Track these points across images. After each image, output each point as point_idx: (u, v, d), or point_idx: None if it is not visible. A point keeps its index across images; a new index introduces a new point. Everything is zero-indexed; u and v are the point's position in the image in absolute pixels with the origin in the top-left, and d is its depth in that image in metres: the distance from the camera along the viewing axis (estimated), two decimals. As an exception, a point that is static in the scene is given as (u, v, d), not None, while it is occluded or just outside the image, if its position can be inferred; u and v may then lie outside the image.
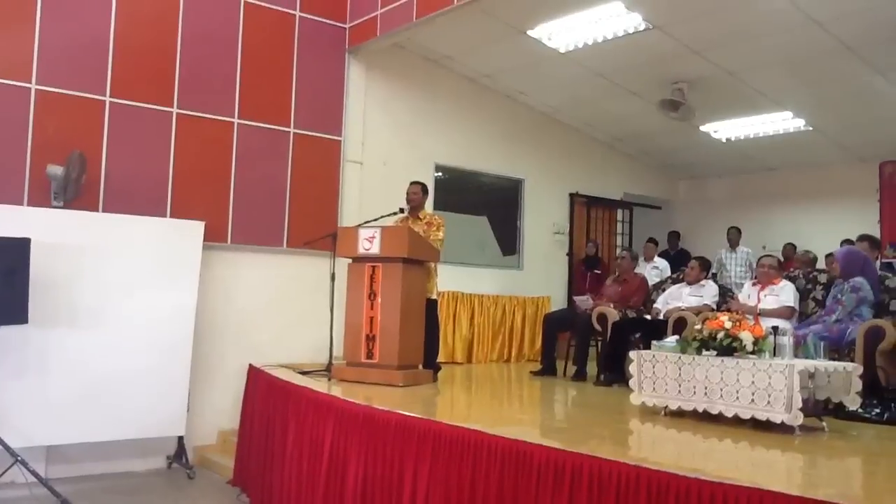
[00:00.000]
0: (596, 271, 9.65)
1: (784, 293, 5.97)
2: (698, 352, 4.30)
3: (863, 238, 7.03)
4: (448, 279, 7.54)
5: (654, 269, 8.97)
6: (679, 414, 4.35)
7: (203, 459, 6.59)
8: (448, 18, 6.83)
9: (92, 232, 5.93)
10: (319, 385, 5.37)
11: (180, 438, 6.37)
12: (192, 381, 6.30)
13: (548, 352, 7.41)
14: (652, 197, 11.80)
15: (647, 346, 4.77)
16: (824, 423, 4.12)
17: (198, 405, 6.51)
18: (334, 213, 7.60)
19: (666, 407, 4.41)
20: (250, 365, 6.45)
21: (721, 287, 7.02)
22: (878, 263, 7.07)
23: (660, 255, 10.02)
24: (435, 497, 3.67)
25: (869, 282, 5.52)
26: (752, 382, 3.97)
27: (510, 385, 7.17)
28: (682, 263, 8.29)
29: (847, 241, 8.47)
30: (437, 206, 8.29)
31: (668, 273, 8.82)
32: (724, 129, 9.84)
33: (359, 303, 5.70)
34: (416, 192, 6.39)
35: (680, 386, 4.31)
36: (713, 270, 9.61)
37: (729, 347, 4.17)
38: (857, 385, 4.19)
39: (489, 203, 9.82)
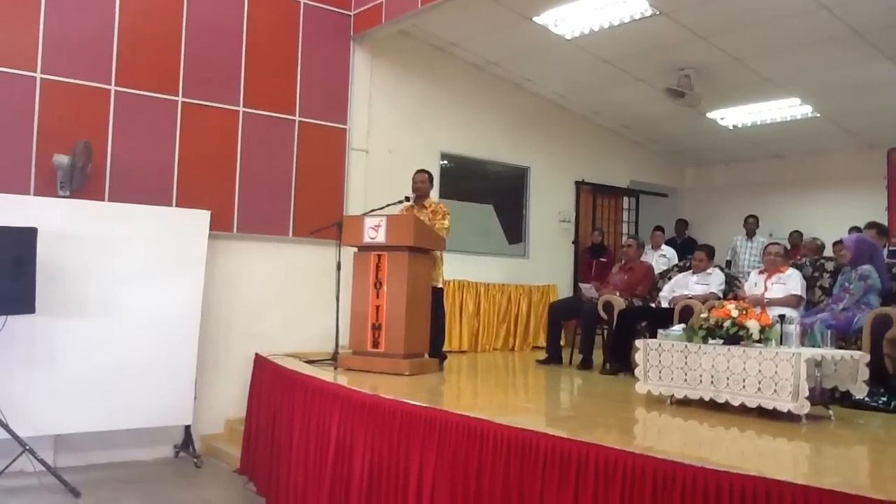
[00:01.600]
0: (602, 259, 9.64)
1: (791, 281, 5.95)
2: (704, 340, 4.29)
3: (871, 225, 7.00)
4: (454, 267, 7.54)
5: (662, 257, 8.96)
6: (685, 402, 4.35)
7: (210, 448, 6.63)
8: (454, 5, 6.81)
9: (98, 221, 5.94)
10: (326, 374, 5.39)
11: (187, 427, 6.41)
12: (198, 370, 6.33)
13: (553, 340, 7.41)
14: (658, 184, 11.75)
15: (653, 335, 4.77)
16: (831, 412, 4.11)
17: (205, 394, 6.54)
18: (340, 201, 7.60)
19: (672, 395, 4.41)
20: (257, 354, 6.47)
21: (727, 275, 7.00)
22: (885, 251, 7.03)
23: (667, 243, 10.01)
24: (441, 485, 3.68)
25: (877, 270, 5.50)
26: (759, 371, 3.96)
27: (516, 374, 7.18)
28: (690, 251, 8.26)
29: (855, 229, 8.43)
30: (442, 195, 8.28)
31: (676, 261, 8.80)
32: (731, 116, 9.80)
33: (365, 291, 5.70)
34: (423, 181, 6.37)
35: (686, 374, 4.31)
36: (727, 257, 9.62)
37: (735, 336, 4.17)
38: (864, 373, 4.18)
39: (495, 191, 9.80)
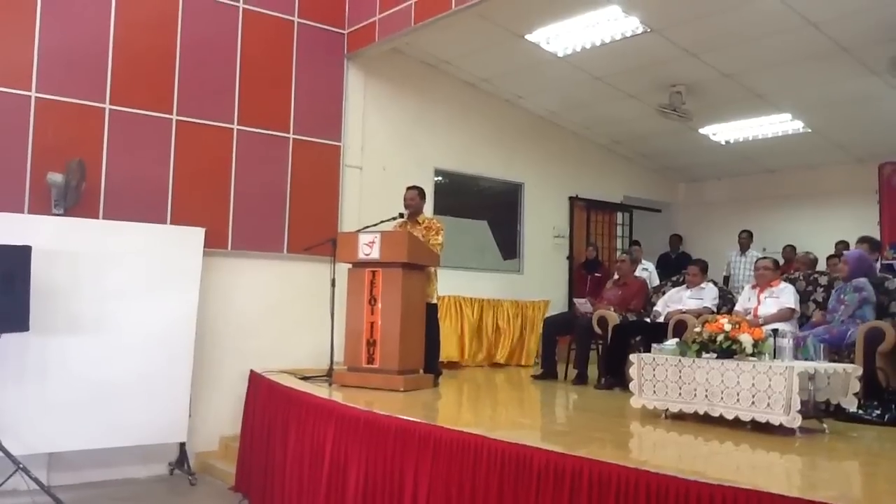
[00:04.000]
0: (596, 275, 9.65)
1: (784, 295, 5.97)
2: (698, 354, 4.30)
3: (863, 240, 7.04)
4: (449, 283, 7.55)
5: (644, 271, 8.97)
6: (680, 417, 4.36)
7: (205, 465, 6.59)
8: (446, 23, 6.85)
9: (92, 239, 5.94)
10: (320, 390, 5.38)
11: (182, 445, 6.38)
12: (193, 387, 6.31)
13: (548, 355, 7.41)
14: (652, 200, 11.81)
15: (648, 350, 4.78)
16: (824, 425, 4.12)
17: (199, 411, 6.52)
18: (334, 218, 7.61)
19: (667, 410, 4.42)
20: (251, 370, 6.46)
21: (721, 290, 7.02)
22: (878, 265, 7.07)
23: (661, 258, 10.05)
24: (436, 501, 3.67)
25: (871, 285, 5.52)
26: (752, 385, 3.97)
27: (511, 389, 7.17)
28: (684, 266, 8.26)
29: (842, 243, 8.47)
30: (436, 211, 8.30)
31: (655, 275, 8.86)
32: (723, 132, 9.86)
33: (359, 308, 5.70)
34: (413, 198, 6.40)
35: (680, 389, 4.32)
36: (724, 273, 9.66)
37: (729, 350, 4.18)
38: (857, 386, 4.20)
39: (489, 207, 9.84)
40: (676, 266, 9.61)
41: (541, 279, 9.80)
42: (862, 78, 7.71)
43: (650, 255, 10.18)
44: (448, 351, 8.08)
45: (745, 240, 9.96)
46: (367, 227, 6.06)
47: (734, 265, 9.89)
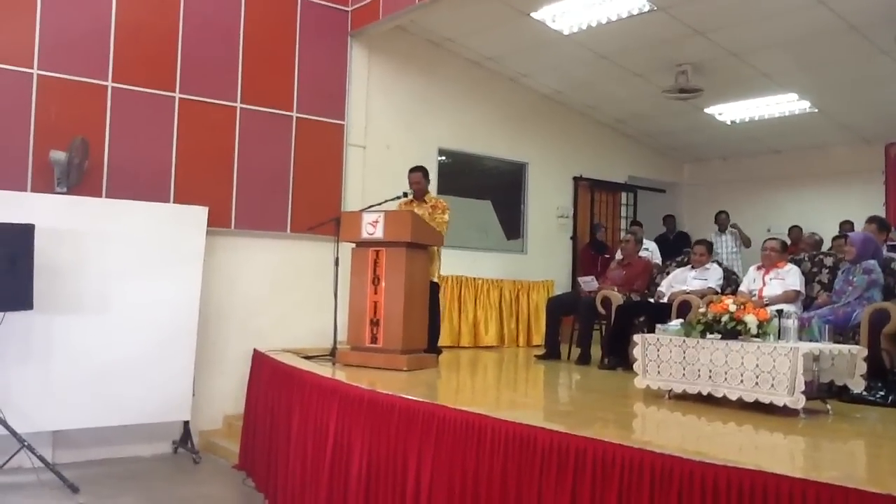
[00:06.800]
0: (605, 256, 9.61)
1: (789, 276, 5.95)
2: (702, 335, 4.29)
3: (872, 220, 6.98)
4: (452, 263, 7.55)
5: (646, 251, 8.95)
6: (683, 397, 4.35)
7: (209, 444, 6.63)
8: (451, 1, 6.78)
9: (95, 218, 5.93)
10: (324, 370, 5.38)
11: (186, 423, 6.41)
12: (197, 366, 6.32)
13: (551, 335, 7.40)
14: (656, 180, 11.75)
15: (652, 330, 4.77)
16: (828, 406, 4.11)
17: (203, 390, 6.53)
18: (338, 197, 7.60)
19: (670, 390, 4.41)
20: (255, 350, 6.47)
21: (726, 270, 6.99)
22: (885, 246, 7.02)
23: (659, 239, 10.02)
24: (439, 481, 3.68)
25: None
26: (757, 365, 3.95)
27: (514, 369, 7.18)
28: (682, 246, 8.22)
29: (847, 223, 8.44)
30: (440, 191, 8.27)
31: (658, 255, 8.84)
32: (729, 112, 9.79)
33: (363, 287, 5.69)
34: (419, 180, 6.39)
35: (684, 369, 4.31)
36: None
37: (733, 330, 4.16)
38: (862, 368, 4.18)
39: (493, 187, 9.80)
40: (676, 247, 9.57)
41: (544, 259, 9.79)
42: (869, 57, 7.63)
43: (652, 237, 10.16)
44: (450, 331, 8.10)
45: (724, 220, 10.14)
46: (371, 206, 6.04)
47: (715, 243, 9.87)
